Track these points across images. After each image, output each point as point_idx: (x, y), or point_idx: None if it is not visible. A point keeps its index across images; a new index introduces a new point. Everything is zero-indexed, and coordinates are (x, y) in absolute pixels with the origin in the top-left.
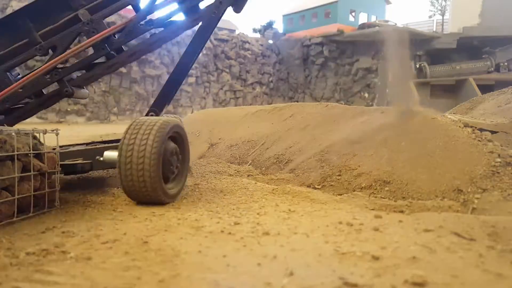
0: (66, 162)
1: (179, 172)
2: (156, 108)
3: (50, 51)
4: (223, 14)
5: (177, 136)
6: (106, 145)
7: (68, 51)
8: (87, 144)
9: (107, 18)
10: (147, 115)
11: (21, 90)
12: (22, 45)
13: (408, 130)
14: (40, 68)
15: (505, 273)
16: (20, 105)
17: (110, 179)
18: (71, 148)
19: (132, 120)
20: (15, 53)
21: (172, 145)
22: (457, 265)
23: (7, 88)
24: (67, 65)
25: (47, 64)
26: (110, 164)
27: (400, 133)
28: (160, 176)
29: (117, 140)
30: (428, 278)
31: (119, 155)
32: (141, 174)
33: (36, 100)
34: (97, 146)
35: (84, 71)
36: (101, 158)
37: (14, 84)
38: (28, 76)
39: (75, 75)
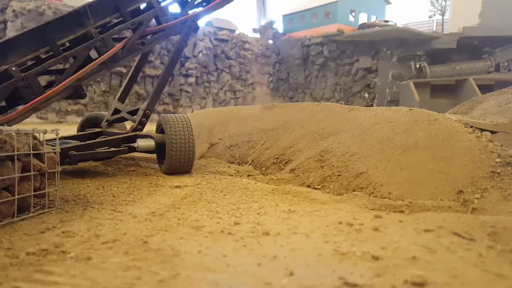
0: (99, 150)
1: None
2: (151, 108)
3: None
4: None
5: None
6: (133, 134)
7: (94, 61)
8: (79, 136)
9: None
10: (144, 113)
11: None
12: (43, 53)
13: (409, 130)
14: (72, 77)
15: (505, 273)
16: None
17: (111, 178)
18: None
19: (161, 116)
20: (40, 60)
21: None
22: (457, 265)
23: (46, 93)
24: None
25: (80, 72)
26: (143, 150)
27: (400, 132)
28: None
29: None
30: (428, 278)
31: (169, 140)
32: (189, 153)
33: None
34: (126, 135)
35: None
36: (135, 145)
37: (52, 90)
38: (64, 82)
39: None
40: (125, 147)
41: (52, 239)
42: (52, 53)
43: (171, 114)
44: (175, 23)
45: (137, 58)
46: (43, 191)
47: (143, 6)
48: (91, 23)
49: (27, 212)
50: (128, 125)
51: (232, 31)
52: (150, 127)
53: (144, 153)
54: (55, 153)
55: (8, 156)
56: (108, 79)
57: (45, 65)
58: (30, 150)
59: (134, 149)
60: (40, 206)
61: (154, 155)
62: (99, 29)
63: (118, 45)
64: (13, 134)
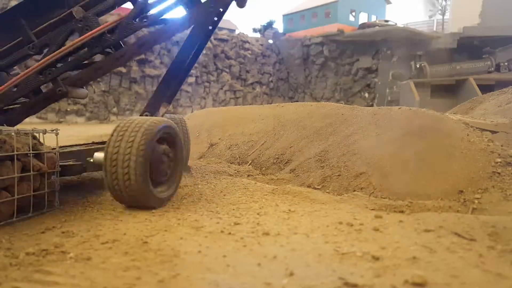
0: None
1: (171, 174)
2: (150, 111)
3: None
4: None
5: (168, 137)
6: (99, 146)
7: (61, 49)
8: (86, 144)
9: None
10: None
11: (14, 89)
12: (17, 44)
13: (409, 130)
14: (32, 67)
15: (505, 273)
16: (15, 105)
17: None
18: (68, 149)
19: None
20: (10, 52)
21: (162, 146)
22: (457, 265)
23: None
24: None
25: (39, 63)
26: (100, 166)
27: (401, 133)
28: (147, 179)
29: None
30: (428, 278)
31: (105, 157)
32: (127, 177)
33: (30, 101)
34: (89, 147)
35: (80, 70)
36: (91, 160)
37: (7, 84)
38: (20, 75)
39: (68, 74)
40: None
41: (51, 239)
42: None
43: (132, 117)
44: None
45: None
46: (43, 191)
47: None
48: (74, 2)
49: (26, 212)
50: None
51: (232, 30)
52: None
53: None
54: (54, 153)
55: (8, 156)
56: (108, 79)
57: (10, 57)
58: (29, 150)
59: (92, 165)
60: (40, 206)
61: None
62: (89, 10)
63: (102, 26)
64: (13, 134)
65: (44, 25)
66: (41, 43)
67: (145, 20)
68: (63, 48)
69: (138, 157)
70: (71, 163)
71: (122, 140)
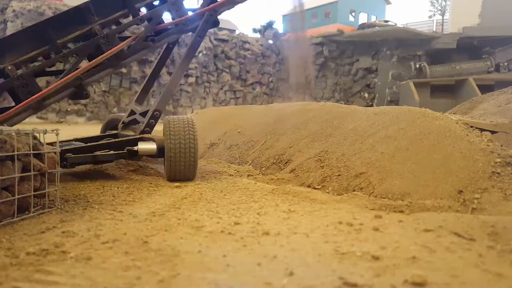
0: (97, 153)
1: None
2: (159, 109)
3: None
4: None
5: None
6: (133, 137)
7: (94, 60)
8: (85, 138)
9: None
10: (153, 115)
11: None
12: (43, 52)
13: (409, 130)
14: (70, 75)
15: (505, 273)
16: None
17: (111, 178)
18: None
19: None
20: (35, 59)
21: None
22: (457, 265)
23: (41, 92)
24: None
25: (77, 71)
26: (144, 153)
27: (400, 133)
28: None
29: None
30: (428, 278)
31: (168, 144)
32: (187, 157)
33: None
34: (127, 138)
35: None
36: (135, 148)
37: (50, 87)
38: (60, 81)
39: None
40: (126, 150)
41: (52, 239)
42: (53, 52)
43: (174, 116)
44: (188, 18)
45: (158, 56)
46: (43, 191)
47: (156, 2)
48: (95, 20)
49: (27, 212)
50: None
51: (232, 31)
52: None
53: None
54: (55, 153)
55: (8, 156)
56: (108, 79)
57: (42, 64)
58: (30, 150)
59: (135, 153)
60: (40, 206)
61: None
62: (106, 27)
63: (123, 43)
64: (13, 134)
65: (66, 38)
66: (70, 53)
67: (154, 39)
68: (97, 58)
69: (196, 142)
70: (112, 152)
71: (176, 131)
